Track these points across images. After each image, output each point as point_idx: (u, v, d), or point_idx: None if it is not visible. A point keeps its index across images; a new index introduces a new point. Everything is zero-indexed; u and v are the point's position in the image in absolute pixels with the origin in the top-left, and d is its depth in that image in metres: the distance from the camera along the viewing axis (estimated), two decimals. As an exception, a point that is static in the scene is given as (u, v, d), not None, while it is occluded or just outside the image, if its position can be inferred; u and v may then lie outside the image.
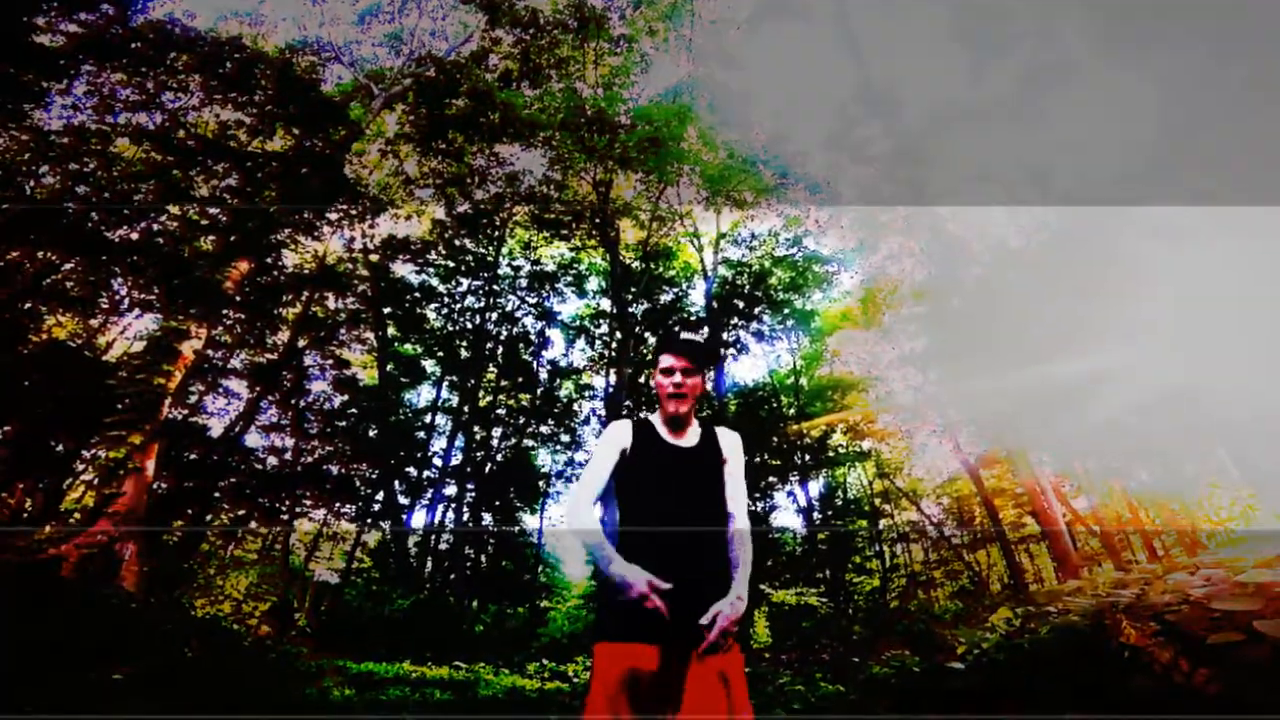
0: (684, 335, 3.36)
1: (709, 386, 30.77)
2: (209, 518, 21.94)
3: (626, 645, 2.45)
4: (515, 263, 35.25)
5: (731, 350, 33.71)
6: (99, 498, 14.32)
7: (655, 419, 3.13)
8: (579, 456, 35.11)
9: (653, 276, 33.95)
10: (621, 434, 3.01)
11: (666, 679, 2.41)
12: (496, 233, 33.14)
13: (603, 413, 31.83)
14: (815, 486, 34.09)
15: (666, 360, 3.06)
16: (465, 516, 29.92)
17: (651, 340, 33.21)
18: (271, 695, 8.86)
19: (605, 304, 35.50)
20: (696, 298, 34.85)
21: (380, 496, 27.72)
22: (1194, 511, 18.87)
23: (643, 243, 32.99)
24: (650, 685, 2.40)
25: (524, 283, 35.27)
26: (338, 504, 26.92)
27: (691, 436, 3.07)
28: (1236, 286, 15.99)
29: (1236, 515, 17.40)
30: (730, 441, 3.12)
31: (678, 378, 3.01)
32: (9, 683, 6.26)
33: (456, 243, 31.98)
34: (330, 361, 28.40)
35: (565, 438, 35.17)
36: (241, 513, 22.83)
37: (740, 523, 2.90)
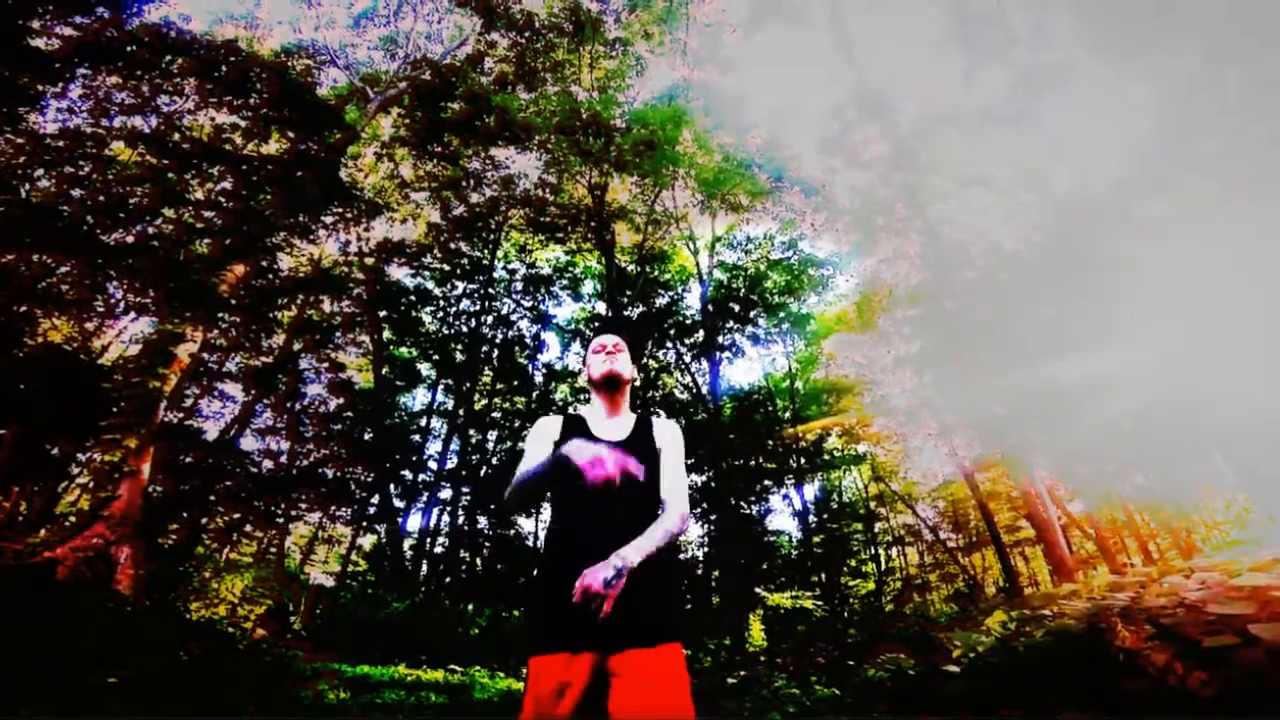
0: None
1: (704, 390, 30.82)
2: (205, 521, 21.90)
3: (555, 656, 2.31)
4: (511, 266, 35.31)
5: (726, 353, 33.71)
6: (94, 501, 14.32)
7: (585, 412, 3.03)
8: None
9: (648, 280, 33.97)
10: (549, 428, 2.91)
11: (592, 691, 2.27)
12: (492, 236, 33.16)
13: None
14: (811, 490, 34.17)
15: (597, 340, 3.07)
16: (461, 519, 29.90)
17: (649, 345, 33.24)
18: (267, 699, 8.85)
19: (601, 307, 35.54)
20: (692, 301, 34.91)
21: (376, 499, 27.68)
22: (1189, 515, 18.93)
23: (638, 246, 33.05)
24: (577, 699, 2.25)
25: (519, 286, 35.30)
26: (333, 507, 26.90)
27: (623, 427, 2.92)
28: (1234, 289, 16.05)
29: (1231, 519, 17.47)
30: (667, 431, 2.93)
31: (609, 348, 3.00)
32: (4, 687, 6.25)
33: (452, 246, 31.98)
34: (326, 365, 28.40)
35: (561, 441, 35.07)
36: (237, 516, 22.77)
37: (672, 508, 2.66)
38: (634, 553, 2.36)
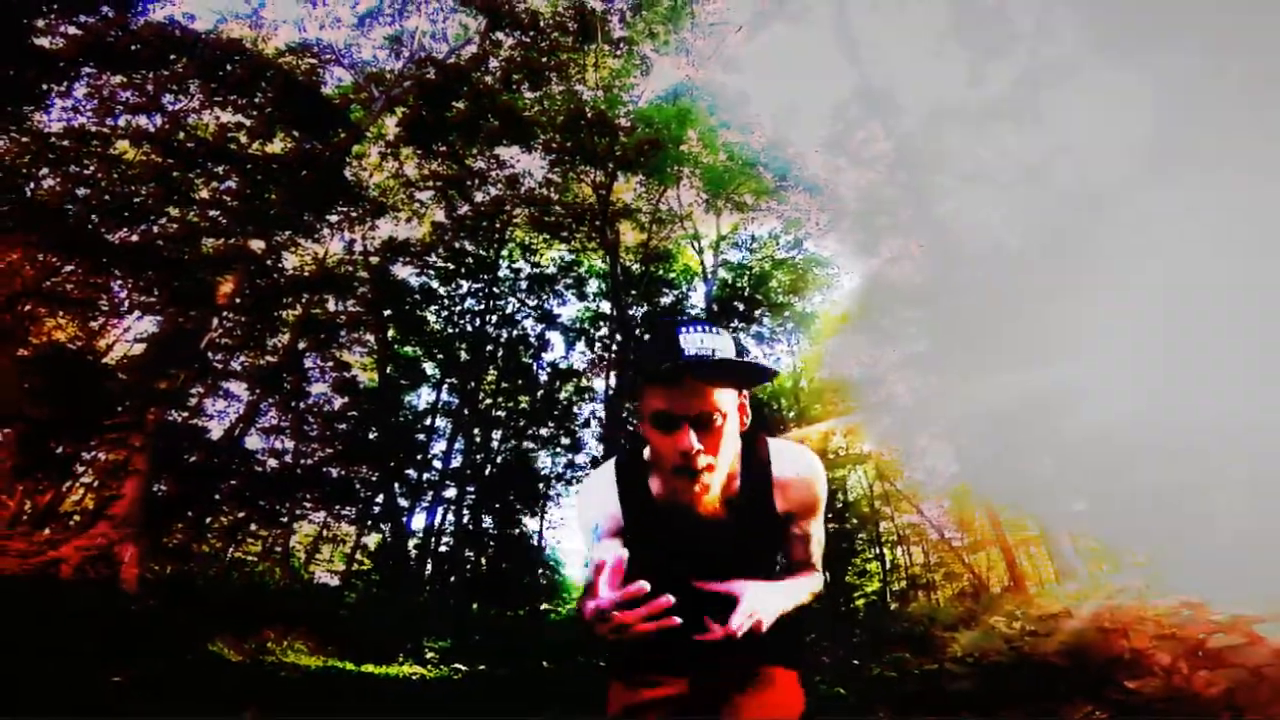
0: (696, 333, 1.61)
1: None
2: (209, 520, 21.93)
3: (646, 683, 1.94)
4: (515, 265, 35.24)
5: (731, 353, 33.60)
6: (98, 500, 14.35)
7: (650, 458, 1.97)
8: (579, 459, 35.15)
9: (653, 279, 33.94)
10: (602, 503, 1.97)
11: (695, 708, 1.89)
12: (496, 235, 33.11)
13: (602, 414, 31.83)
14: (815, 489, 34.07)
15: (665, 398, 1.64)
16: (465, 519, 29.89)
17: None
18: (271, 698, 8.85)
19: (605, 306, 35.51)
20: (697, 300, 34.85)
21: (380, 499, 27.69)
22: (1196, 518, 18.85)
23: (643, 245, 33.03)
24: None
25: (524, 285, 35.25)
26: (338, 506, 26.91)
27: (713, 488, 1.78)
28: (1236, 287, 15.99)
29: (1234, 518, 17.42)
30: (799, 486, 1.94)
31: (690, 440, 1.64)
32: (8, 685, 6.26)
33: (456, 245, 31.96)
34: (330, 364, 28.41)
35: (565, 440, 35.12)
36: (241, 515, 22.81)
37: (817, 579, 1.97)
38: (775, 599, 1.66)
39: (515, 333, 35.19)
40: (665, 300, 34.74)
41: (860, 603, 29.79)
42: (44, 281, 15.59)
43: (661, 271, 34.76)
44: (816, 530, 1.98)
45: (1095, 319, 18.12)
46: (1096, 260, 18.74)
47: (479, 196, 30.65)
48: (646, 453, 1.96)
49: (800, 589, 1.84)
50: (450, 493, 30.32)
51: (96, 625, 9.19)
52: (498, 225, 32.51)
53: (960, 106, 26.49)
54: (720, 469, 1.73)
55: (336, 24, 27.31)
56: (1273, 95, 16.59)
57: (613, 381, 30.07)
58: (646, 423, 1.70)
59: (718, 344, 1.61)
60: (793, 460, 1.94)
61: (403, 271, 31.93)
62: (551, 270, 35.52)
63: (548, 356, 36.21)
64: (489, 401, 33.77)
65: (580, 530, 2.02)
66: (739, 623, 1.52)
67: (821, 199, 29.50)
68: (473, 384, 32.10)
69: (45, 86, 14.71)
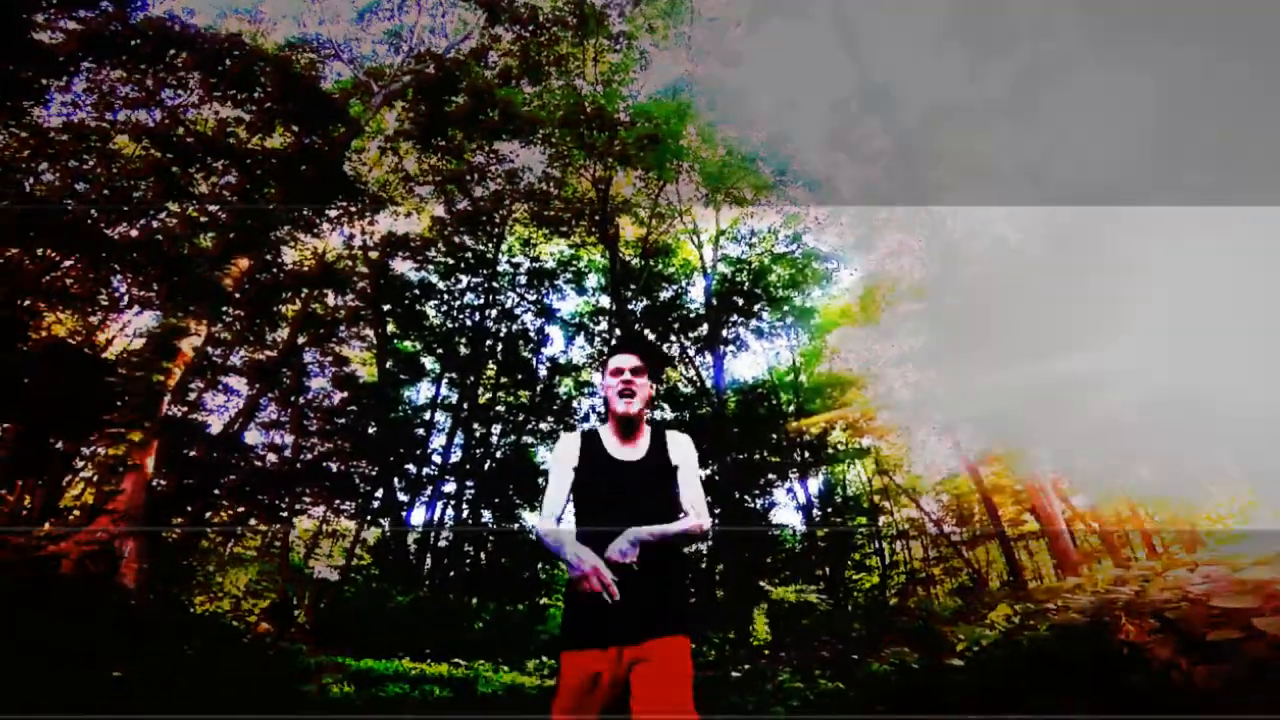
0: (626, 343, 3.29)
1: (708, 384, 30.82)
2: (208, 515, 21.94)
3: (584, 653, 2.58)
4: (515, 260, 35.23)
5: (730, 347, 33.70)
6: (98, 495, 14.33)
7: (604, 430, 3.13)
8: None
9: (652, 273, 33.94)
10: (569, 450, 3.04)
11: (619, 681, 2.53)
12: (496, 230, 33.09)
13: (601, 409, 31.84)
14: (814, 483, 34.10)
15: (615, 361, 3.10)
16: (465, 513, 29.91)
17: (652, 337, 33.13)
18: (271, 693, 8.86)
19: (605, 301, 35.52)
20: (696, 295, 34.87)
21: (380, 494, 27.70)
22: (1193, 510, 18.89)
23: (642, 240, 33.00)
24: (606, 689, 2.54)
25: (523, 280, 35.24)
26: (337, 501, 26.93)
27: (640, 446, 3.06)
28: (1235, 285, 15.99)
29: (1235, 514, 17.45)
30: (680, 447, 3.09)
31: (627, 375, 3.03)
32: (8, 682, 6.26)
33: (456, 240, 31.94)
34: (330, 359, 28.42)
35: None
36: (241, 510, 22.82)
37: (693, 517, 2.88)
38: (648, 533, 2.62)
39: (514, 327, 35.22)
40: (664, 295, 34.77)
41: (860, 597, 29.78)
42: (44, 277, 15.58)
43: (661, 266, 34.77)
44: (694, 481, 3.02)
45: (1091, 316, 18.14)
46: (1095, 257, 18.75)
47: (478, 191, 30.63)
48: (606, 426, 3.14)
49: (671, 526, 2.76)
50: (450, 487, 30.39)
51: (96, 620, 9.20)
52: (497, 220, 32.51)
53: (960, 102, 26.47)
54: (637, 398, 3.01)
55: (336, 19, 27.31)
56: (1273, 95, 16.59)
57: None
58: (606, 382, 3.10)
59: (640, 345, 3.23)
60: (675, 435, 3.15)
61: (402, 266, 31.95)
62: (551, 265, 35.54)
63: (547, 351, 36.25)
64: (488, 396, 33.80)
65: (551, 463, 3.08)
66: (619, 549, 2.55)
67: (820, 194, 29.48)
68: (472, 379, 32.13)
69: (44, 81, 14.67)
